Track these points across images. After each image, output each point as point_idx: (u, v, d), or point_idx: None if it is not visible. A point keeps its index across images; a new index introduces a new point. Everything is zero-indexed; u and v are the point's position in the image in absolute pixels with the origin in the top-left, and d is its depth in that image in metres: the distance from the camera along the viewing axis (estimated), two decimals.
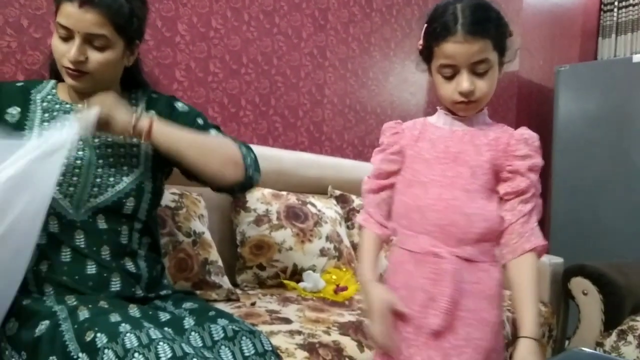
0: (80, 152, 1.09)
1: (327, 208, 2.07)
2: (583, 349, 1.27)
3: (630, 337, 1.86)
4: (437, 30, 0.98)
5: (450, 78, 0.99)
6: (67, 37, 1.04)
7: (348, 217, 2.19)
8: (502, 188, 1.01)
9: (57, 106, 1.14)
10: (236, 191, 1.24)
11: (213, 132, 1.20)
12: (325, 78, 2.48)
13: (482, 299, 0.98)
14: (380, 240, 1.09)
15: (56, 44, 1.06)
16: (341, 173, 2.34)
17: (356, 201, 2.24)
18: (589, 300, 1.98)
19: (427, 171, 1.03)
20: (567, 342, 2.09)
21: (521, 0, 3.33)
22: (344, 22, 2.53)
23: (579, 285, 2.01)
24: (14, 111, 1.11)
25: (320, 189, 2.23)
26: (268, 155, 2.08)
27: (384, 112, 2.74)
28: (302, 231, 1.89)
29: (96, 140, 1.11)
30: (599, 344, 1.92)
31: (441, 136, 1.05)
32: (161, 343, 0.82)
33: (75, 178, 1.06)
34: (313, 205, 2.02)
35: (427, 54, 1.03)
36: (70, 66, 1.05)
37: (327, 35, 2.46)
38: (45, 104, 1.14)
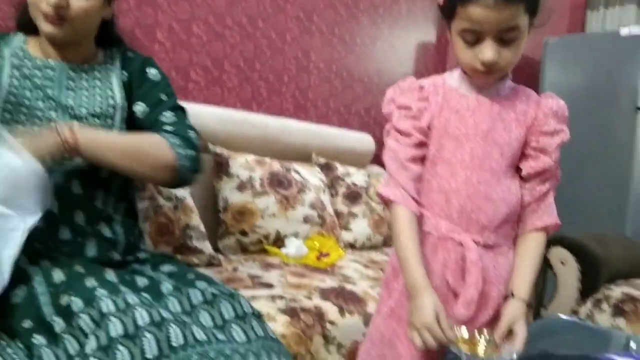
0: (58, 120, 1.03)
1: (311, 175, 2.06)
2: (560, 315, 1.29)
3: (604, 306, 1.91)
4: None
5: (472, 44, 0.88)
6: None
7: (332, 185, 2.18)
8: (525, 167, 0.97)
9: (28, 62, 1.07)
10: (174, 187, 1.19)
11: (168, 114, 1.12)
12: (312, 43, 2.43)
13: (501, 284, 0.96)
14: (416, 221, 0.95)
15: None
16: (326, 141, 2.32)
17: (340, 169, 2.23)
18: (566, 270, 2.02)
19: (455, 149, 0.95)
20: (542, 310, 2.14)
21: None
22: None
23: (558, 255, 2.04)
24: None
25: (304, 157, 2.21)
26: (252, 121, 2.05)
27: (370, 80, 2.71)
28: (285, 198, 1.88)
29: (70, 110, 1.05)
30: (574, 312, 1.97)
31: (468, 108, 0.96)
32: (138, 308, 0.80)
33: None
34: (297, 172, 2.00)
35: (448, 12, 0.91)
36: (50, 11, 0.99)
37: None
38: (14, 59, 1.06)
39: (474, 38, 0.88)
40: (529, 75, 3.53)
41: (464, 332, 0.88)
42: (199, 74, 2.05)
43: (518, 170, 0.99)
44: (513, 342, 0.89)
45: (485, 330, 0.89)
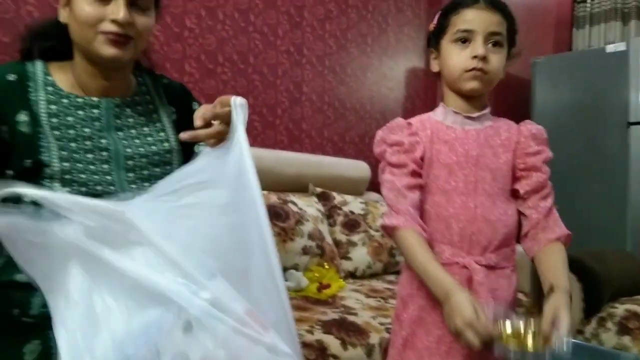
0: (114, 173, 0.92)
1: (308, 206, 2.06)
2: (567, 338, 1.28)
3: (609, 324, 1.90)
4: (457, 3, 1.00)
5: (464, 43, 0.98)
6: None
7: (330, 214, 2.19)
8: (521, 187, 1.01)
9: (65, 101, 0.91)
10: None
11: None
12: (303, 75, 2.47)
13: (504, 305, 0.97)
14: (425, 240, 0.95)
15: (86, 8, 0.87)
16: (322, 170, 2.33)
17: (337, 198, 2.24)
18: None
19: (448, 177, 1.00)
20: None
21: None
22: (320, 19, 2.52)
23: None
24: (24, 117, 0.87)
25: (301, 187, 2.22)
26: None
27: (363, 107, 2.74)
28: (283, 230, 1.89)
29: (128, 160, 0.94)
30: (579, 332, 1.96)
31: (457, 138, 1.01)
32: None
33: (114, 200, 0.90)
34: (294, 203, 2.01)
35: (440, 29, 1.02)
36: (117, 29, 0.86)
37: (304, 32, 2.45)
38: (51, 106, 0.90)
39: (467, 37, 0.98)
40: (519, 96, 3.57)
41: (507, 327, 0.84)
42: None
43: (514, 194, 1.03)
44: (558, 331, 0.85)
45: (532, 321, 0.86)
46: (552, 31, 4.03)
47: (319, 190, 2.25)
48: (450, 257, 0.98)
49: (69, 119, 0.90)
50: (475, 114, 1.03)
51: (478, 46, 0.97)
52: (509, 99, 3.61)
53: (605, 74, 3.01)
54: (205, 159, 0.83)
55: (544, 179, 1.01)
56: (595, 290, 1.98)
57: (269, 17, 2.31)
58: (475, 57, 0.97)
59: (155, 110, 1.02)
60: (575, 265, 2.01)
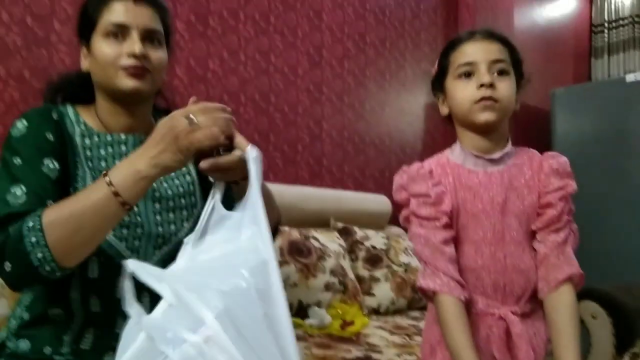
0: (140, 204, 0.97)
1: (329, 241, 2.07)
2: None
3: None
4: (454, 41, 1.01)
5: (469, 77, 0.96)
6: (120, 35, 0.95)
7: (352, 250, 2.19)
8: (535, 224, 0.98)
9: (96, 139, 0.98)
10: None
11: None
12: (323, 112, 2.51)
13: (542, 349, 0.95)
14: (463, 305, 0.93)
15: (105, 49, 0.95)
16: (343, 205, 2.35)
17: (359, 232, 2.25)
18: (598, 324, 1.96)
19: (476, 227, 0.96)
20: None
21: (511, 27, 3.39)
22: (339, 58, 2.58)
23: (588, 308, 1.98)
24: (52, 165, 0.91)
25: (322, 222, 2.23)
26: None
27: (382, 142, 2.77)
28: (305, 266, 1.89)
29: (155, 192, 0.99)
30: None
31: (480, 183, 0.98)
32: None
33: (139, 230, 0.95)
34: (316, 239, 2.02)
35: (442, 70, 1.02)
36: (135, 62, 0.93)
37: (323, 70, 2.51)
38: (87, 151, 0.96)
39: (470, 70, 0.96)
40: (539, 127, 3.57)
41: None
42: None
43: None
44: None
45: None
46: (570, 62, 4.04)
47: (340, 225, 2.26)
48: (484, 308, 0.95)
49: (102, 152, 0.98)
50: (497, 155, 0.98)
51: (483, 75, 0.95)
52: (529, 131, 3.61)
53: (626, 104, 2.99)
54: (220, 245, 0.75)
55: (554, 215, 0.96)
56: (627, 324, 1.92)
57: (289, 57, 2.38)
58: (482, 85, 0.94)
59: None
60: (605, 300, 1.96)
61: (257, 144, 2.45)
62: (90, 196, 0.81)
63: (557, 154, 1.02)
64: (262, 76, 2.28)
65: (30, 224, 0.79)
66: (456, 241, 0.97)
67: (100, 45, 0.95)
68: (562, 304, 0.93)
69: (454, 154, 1.03)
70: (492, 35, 0.98)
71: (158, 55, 0.98)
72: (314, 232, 2.06)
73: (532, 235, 0.99)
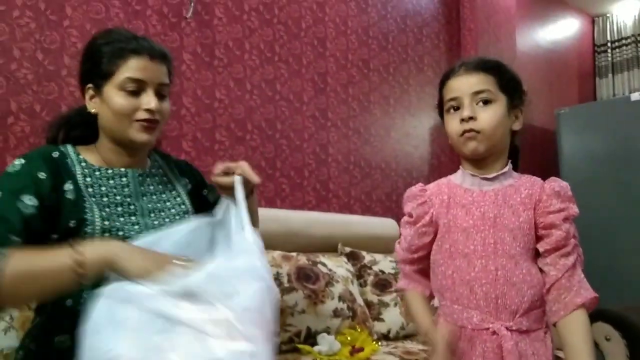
0: (136, 226, 1.04)
1: (337, 267, 2.07)
2: None
3: None
4: (443, 78, 1.09)
5: (457, 111, 1.04)
6: (137, 90, 1.02)
7: (360, 274, 2.18)
8: (541, 245, 1.00)
9: (97, 173, 1.05)
10: None
11: None
12: (329, 138, 2.53)
13: None
14: (426, 297, 1.11)
15: (122, 101, 1.01)
16: (350, 229, 2.35)
17: (367, 257, 2.24)
18: (612, 346, 1.93)
19: (467, 241, 1.01)
20: None
21: (514, 50, 3.43)
22: (343, 84, 2.62)
23: (601, 330, 1.96)
24: (69, 186, 0.99)
25: (330, 247, 2.23)
26: (276, 217, 2.10)
27: (388, 166, 2.78)
28: (314, 292, 1.89)
29: (149, 209, 1.09)
30: None
31: (473, 200, 1.03)
32: None
33: None
34: (323, 264, 2.02)
35: (439, 103, 1.11)
36: (149, 116, 1.02)
37: (328, 97, 2.54)
38: (89, 189, 1.02)
39: (456, 104, 1.04)
40: (545, 147, 3.57)
41: None
42: None
43: (536, 254, 1.01)
44: None
45: None
46: (575, 82, 4.06)
47: (348, 249, 2.25)
48: (479, 322, 0.97)
49: (103, 188, 1.04)
50: (492, 175, 1.04)
51: (465, 108, 1.02)
52: (535, 151, 3.61)
53: (631, 122, 2.99)
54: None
55: (563, 237, 0.98)
56: None
57: (294, 85, 2.41)
58: (462, 120, 1.01)
59: (169, 181, 1.17)
60: (619, 322, 1.93)
61: (264, 171, 2.48)
62: (55, 259, 0.86)
63: (559, 179, 1.06)
64: (268, 104, 2.31)
65: None
66: (450, 256, 1.03)
67: (115, 96, 1.02)
68: (576, 326, 0.95)
69: (456, 176, 1.11)
70: (475, 67, 1.04)
71: (166, 106, 1.07)
72: (322, 257, 2.06)
73: (533, 253, 1.01)
